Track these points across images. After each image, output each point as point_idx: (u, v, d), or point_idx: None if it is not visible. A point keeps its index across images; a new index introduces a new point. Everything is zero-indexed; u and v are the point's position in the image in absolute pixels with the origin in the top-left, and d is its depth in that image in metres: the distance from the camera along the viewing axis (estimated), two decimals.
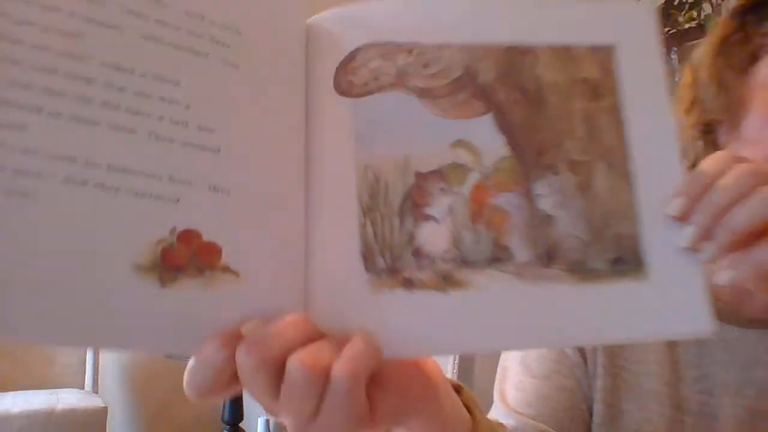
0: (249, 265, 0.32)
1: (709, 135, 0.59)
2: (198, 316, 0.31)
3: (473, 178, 0.34)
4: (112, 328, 0.29)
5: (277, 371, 0.30)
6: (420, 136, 0.35)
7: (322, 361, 0.30)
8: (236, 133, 0.33)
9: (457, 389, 0.42)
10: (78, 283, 0.28)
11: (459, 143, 0.35)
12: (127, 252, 0.29)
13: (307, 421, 0.30)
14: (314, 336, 0.31)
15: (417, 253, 0.33)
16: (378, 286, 0.33)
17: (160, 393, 2.17)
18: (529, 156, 0.35)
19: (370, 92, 0.35)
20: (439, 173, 0.34)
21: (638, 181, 0.35)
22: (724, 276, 0.33)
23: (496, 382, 0.64)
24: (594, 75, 0.36)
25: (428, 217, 0.34)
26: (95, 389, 2.03)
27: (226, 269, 0.32)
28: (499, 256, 0.33)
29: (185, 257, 0.31)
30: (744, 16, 0.59)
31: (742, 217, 0.31)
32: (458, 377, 0.96)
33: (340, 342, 0.31)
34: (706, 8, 1.96)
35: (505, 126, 0.35)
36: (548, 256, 0.33)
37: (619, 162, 0.35)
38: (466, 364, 0.98)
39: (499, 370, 0.64)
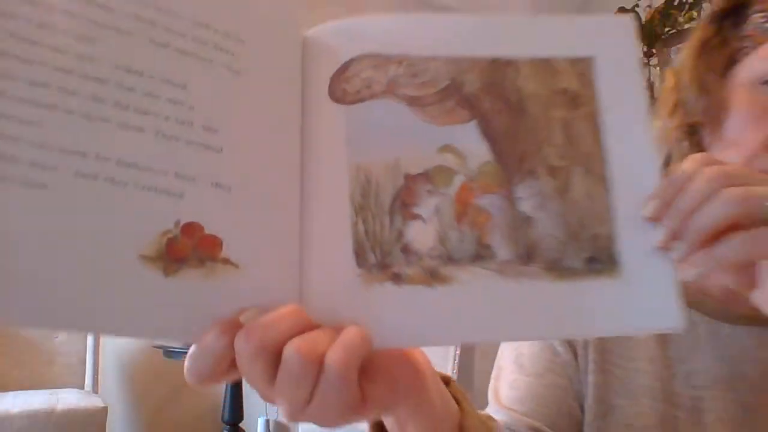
0: (248, 258, 0.33)
1: (693, 136, 0.59)
2: (199, 305, 0.32)
3: (459, 180, 0.36)
4: (117, 315, 0.30)
5: (274, 358, 0.31)
6: (409, 141, 0.36)
7: (317, 348, 0.31)
8: (238, 134, 0.34)
9: (446, 381, 0.43)
10: (86, 271, 0.30)
11: (446, 148, 0.36)
12: (134, 243, 0.31)
13: (301, 406, 0.31)
14: (309, 326, 0.32)
15: (405, 250, 0.35)
16: (369, 280, 0.34)
17: (160, 393, 2.16)
18: (511, 161, 0.36)
19: (362, 99, 0.37)
20: (426, 175, 0.36)
21: (614, 184, 0.36)
22: (690, 272, 0.34)
23: (491, 381, 0.63)
24: (573, 85, 0.37)
25: (416, 216, 0.35)
26: (95, 389, 2.02)
27: (226, 261, 0.33)
28: (482, 254, 0.35)
29: (188, 249, 0.32)
30: (721, 20, 0.59)
31: (707, 218, 0.33)
32: (458, 377, 0.96)
33: (333, 332, 0.32)
34: (706, 8, 1.95)
35: (489, 133, 0.36)
36: (528, 255, 0.35)
37: (596, 167, 0.36)
38: (466, 365, 0.98)
39: (494, 369, 0.64)
